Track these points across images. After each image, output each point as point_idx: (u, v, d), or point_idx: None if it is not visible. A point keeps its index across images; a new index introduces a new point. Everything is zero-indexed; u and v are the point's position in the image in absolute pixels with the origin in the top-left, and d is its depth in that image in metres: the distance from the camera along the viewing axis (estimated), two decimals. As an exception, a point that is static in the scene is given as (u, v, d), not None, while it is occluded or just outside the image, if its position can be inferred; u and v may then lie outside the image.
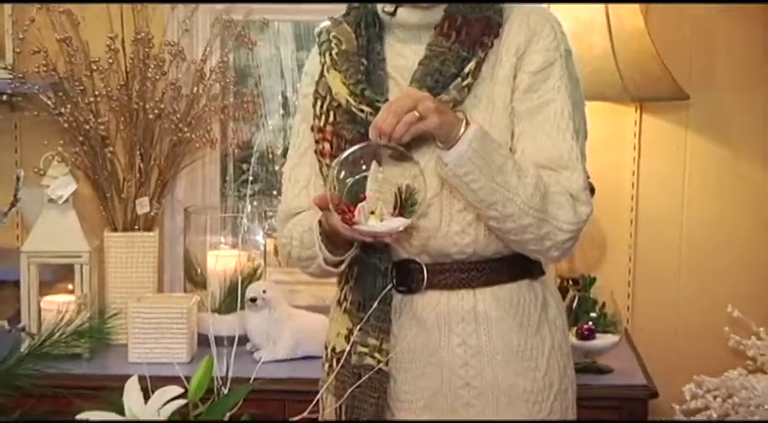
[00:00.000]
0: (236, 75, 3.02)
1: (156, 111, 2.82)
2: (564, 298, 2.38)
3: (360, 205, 1.72)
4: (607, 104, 2.88)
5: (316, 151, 1.92)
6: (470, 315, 1.86)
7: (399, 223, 1.73)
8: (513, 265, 1.88)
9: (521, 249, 1.85)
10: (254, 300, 2.63)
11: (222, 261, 2.76)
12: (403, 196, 1.73)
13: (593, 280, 2.67)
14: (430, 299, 1.88)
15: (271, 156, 3.17)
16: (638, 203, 3.02)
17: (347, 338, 1.87)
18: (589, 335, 2.58)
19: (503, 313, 1.87)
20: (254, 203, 3.12)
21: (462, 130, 1.74)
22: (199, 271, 2.82)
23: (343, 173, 1.72)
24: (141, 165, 2.84)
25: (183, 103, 2.87)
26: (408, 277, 1.88)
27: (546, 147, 1.82)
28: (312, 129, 1.93)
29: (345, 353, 1.85)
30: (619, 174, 3.00)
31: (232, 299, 2.74)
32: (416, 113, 1.71)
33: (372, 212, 1.72)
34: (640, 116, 3.00)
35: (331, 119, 1.89)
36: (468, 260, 1.86)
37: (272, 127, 3.17)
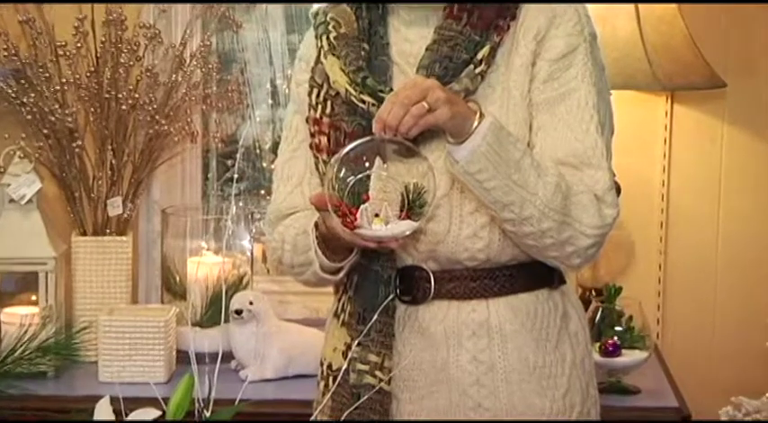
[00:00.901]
0: (220, 60, 3.02)
1: (129, 101, 2.82)
2: (586, 310, 2.39)
3: (362, 207, 1.72)
4: (634, 94, 2.88)
5: (311, 145, 1.92)
6: (482, 328, 1.87)
7: (406, 227, 1.74)
8: (531, 273, 1.88)
9: (539, 256, 1.85)
10: (239, 312, 2.63)
11: (204, 268, 2.76)
12: (410, 196, 1.74)
13: (619, 290, 2.67)
14: (437, 310, 1.88)
15: (258, 151, 3.17)
16: (669, 204, 3.02)
17: (345, 354, 1.87)
18: (614, 351, 2.58)
19: (518, 326, 1.87)
20: (240, 204, 3.12)
21: (476, 123, 1.75)
22: (178, 280, 2.82)
23: (343, 171, 1.72)
24: (113, 161, 2.84)
25: (160, 93, 2.87)
26: (413, 286, 1.88)
27: (568, 141, 1.82)
28: (307, 120, 1.93)
29: (343, 371, 1.85)
30: (647, 171, 3.01)
31: (215, 311, 2.74)
32: (425, 104, 1.71)
33: (376, 215, 1.73)
34: (671, 106, 3.00)
35: (328, 110, 1.89)
36: (480, 267, 1.86)
37: (260, 119, 3.17)
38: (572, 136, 1.83)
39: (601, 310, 2.62)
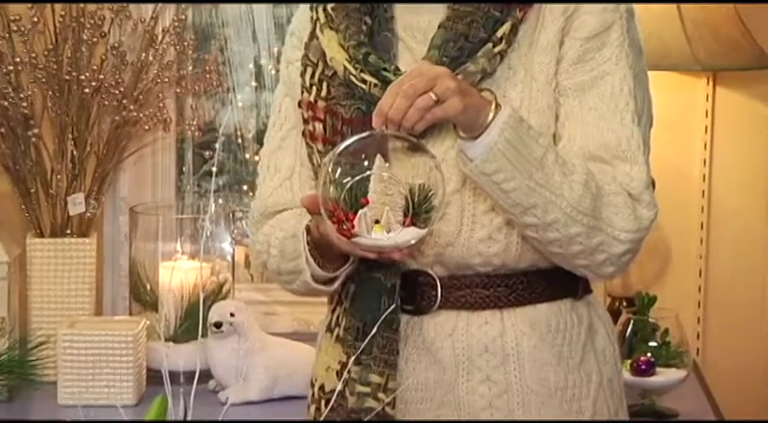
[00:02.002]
0: (196, 37, 3.02)
1: (93, 83, 2.82)
2: (615, 322, 2.39)
3: (360, 212, 1.72)
4: (669, 75, 2.89)
5: (304, 133, 1.92)
6: (496, 344, 1.87)
7: (411, 235, 1.74)
8: (552, 281, 1.88)
9: (565, 264, 1.85)
10: (218, 325, 2.63)
11: (178, 275, 2.76)
12: (415, 200, 1.73)
13: (653, 299, 2.67)
14: (445, 322, 1.88)
15: (240, 140, 3.17)
16: (711, 201, 3.02)
17: (339, 374, 1.87)
18: (647, 369, 2.58)
19: (537, 341, 1.87)
20: (220, 201, 3.12)
21: (491, 115, 1.74)
22: (148, 288, 2.82)
23: (339, 171, 1.72)
24: (74, 152, 2.84)
25: (127, 74, 2.87)
26: (417, 294, 1.88)
27: (600, 132, 1.82)
28: (299, 105, 1.93)
29: (337, 392, 1.85)
30: (685, 163, 3.01)
31: (191, 324, 2.75)
32: (432, 96, 1.71)
33: (377, 221, 1.72)
34: (713, 89, 3.00)
35: (324, 92, 1.89)
36: (494, 273, 1.87)
37: (242, 103, 3.17)
38: (605, 126, 1.83)
39: (632, 322, 2.62)
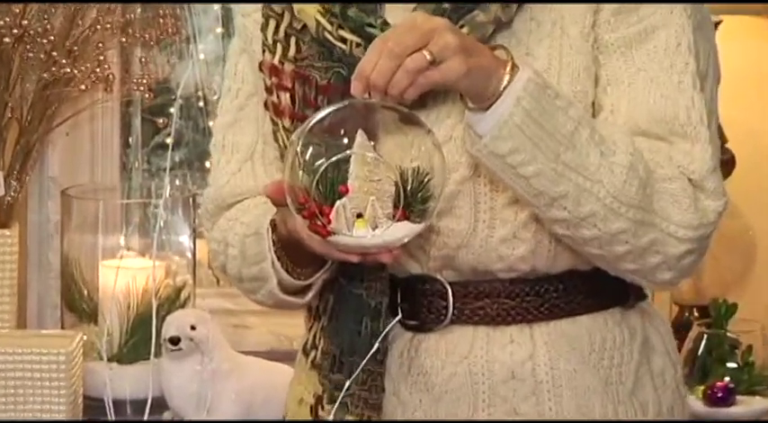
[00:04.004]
0: (147, -29, 3.04)
1: (14, 31, 2.83)
2: (683, 338, 2.40)
3: (338, 203, 1.72)
4: (743, 19, 2.89)
5: (267, 105, 1.93)
6: (525, 367, 1.88)
7: (404, 232, 1.74)
8: (596, 285, 1.90)
9: (610, 269, 1.86)
10: (176, 341, 2.64)
11: (124, 277, 2.77)
12: (408, 187, 1.73)
13: (733, 308, 2.68)
14: (459, 340, 1.89)
15: (203, 104, 3.18)
16: (806, 181, 3.03)
17: (314, 410, 1.88)
18: (725, 397, 2.59)
19: (578, 364, 1.88)
20: (177, 182, 3.13)
21: (506, 79, 1.74)
22: (85, 293, 2.83)
23: (310, 151, 1.72)
24: (-9, 119, 2.86)
25: (58, 19, 2.88)
26: (422, 304, 1.89)
27: (652, 100, 1.82)
28: (260, 67, 1.94)
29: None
30: (771, 132, 3.02)
31: (140, 339, 2.76)
32: (427, 54, 1.70)
33: (359, 215, 1.73)
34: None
35: (291, 51, 1.90)
36: (521, 279, 1.87)
37: (205, 56, 3.18)
38: (657, 93, 1.82)
39: (706, 338, 2.63)
